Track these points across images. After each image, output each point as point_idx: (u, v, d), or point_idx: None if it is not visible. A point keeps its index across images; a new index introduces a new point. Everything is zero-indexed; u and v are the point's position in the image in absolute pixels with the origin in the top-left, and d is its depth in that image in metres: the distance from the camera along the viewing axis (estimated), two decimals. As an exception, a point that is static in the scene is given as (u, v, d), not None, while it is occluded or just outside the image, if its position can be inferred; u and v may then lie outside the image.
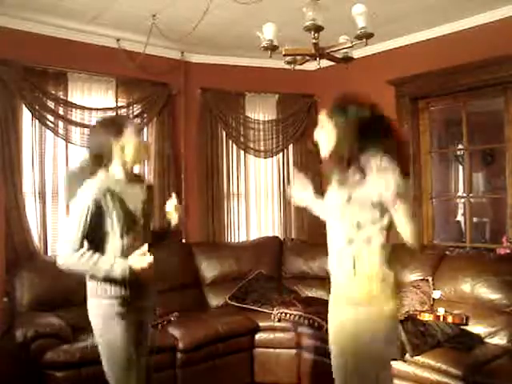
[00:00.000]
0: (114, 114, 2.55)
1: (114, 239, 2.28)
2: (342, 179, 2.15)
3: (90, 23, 4.13)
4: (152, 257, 2.24)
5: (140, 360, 2.34)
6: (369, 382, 2.05)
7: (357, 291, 2.09)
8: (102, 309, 2.29)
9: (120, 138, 2.33)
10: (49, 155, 4.12)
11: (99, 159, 2.35)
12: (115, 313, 2.27)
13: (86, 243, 2.27)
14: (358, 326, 2.07)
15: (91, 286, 2.33)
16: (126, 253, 2.27)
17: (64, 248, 2.24)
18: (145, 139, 2.49)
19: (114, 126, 2.35)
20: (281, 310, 4.01)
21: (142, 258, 2.22)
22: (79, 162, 2.50)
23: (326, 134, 2.12)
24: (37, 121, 4.04)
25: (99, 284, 2.28)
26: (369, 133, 2.02)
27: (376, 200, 2.03)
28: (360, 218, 2.08)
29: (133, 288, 2.29)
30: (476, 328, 3.43)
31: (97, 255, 2.22)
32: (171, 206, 2.59)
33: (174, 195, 2.63)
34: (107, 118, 2.50)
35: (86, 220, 2.21)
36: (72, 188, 2.35)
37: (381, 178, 1.96)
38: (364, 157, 2.02)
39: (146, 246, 2.26)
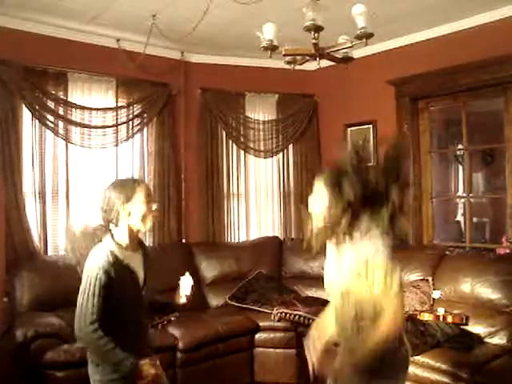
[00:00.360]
0: (127, 177, 2.42)
1: (121, 313, 2.19)
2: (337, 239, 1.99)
3: (89, 23, 4.13)
4: (159, 371, 2.20)
5: None
6: None
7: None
8: (102, 375, 2.21)
9: (128, 204, 2.22)
10: (49, 155, 4.12)
11: (107, 222, 2.26)
12: (116, 378, 2.17)
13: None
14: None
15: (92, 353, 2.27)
16: (131, 326, 2.21)
17: (80, 322, 2.18)
18: (154, 206, 2.31)
19: (123, 191, 2.24)
20: (281, 310, 4.01)
21: (151, 369, 2.14)
22: (88, 223, 2.40)
23: (319, 201, 1.97)
24: (37, 121, 4.04)
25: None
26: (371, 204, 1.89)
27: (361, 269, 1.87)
28: (347, 280, 1.95)
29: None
30: (476, 328, 3.44)
31: (112, 344, 2.11)
32: (186, 287, 2.43)
33: (187, 274, 2.48)
34: (119, 181, 2.37)
35: (100, 294, 2.13)
36: (77, 246, 2.35)
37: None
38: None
39: (158, 361, 2.24)
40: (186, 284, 2.45)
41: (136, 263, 2.28)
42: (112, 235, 2.23)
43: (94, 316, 2.13)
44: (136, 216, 2.23)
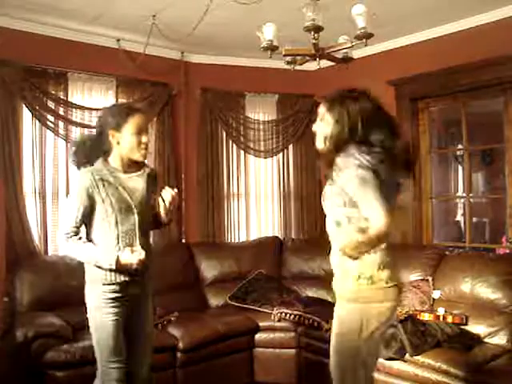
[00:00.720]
0: (125, 103, 2.53)
1: (110, 227, 2.33)
2: (329, 174, 2.10)
3: (90, 23, 4.13)
4: (143, 253, 2.28)
5: (125, 348, 2.39)
6: (346, 379, 2.05)
7: (340, 287, 2.10)
8: (94, 294, 2.37)
9: (116, 132, 2.34)
10: (49, 155, 4.12)
11: (100, 144, 2.39)
12: (107, 298, 2.33)
13: (83, 229, 2.38)
14: (339, 322, 2.10)
15: (87, 272, 2.42)
16: (122, 240, 2.33)
17: (60, 233, 2.37)
18: (145, 139, 2.39)
19: (114, 117, 2.35)
20: (281, 310, 4.02)
21: (132, 255, 2.27)
22: (91, 135, 2.55)
23: (323, 126, 2.09)
24: (37, 121, 4.04)
25: (93, 270, 2.36)
26: (371, 125, 2.01)
27: (348, 198, 1.98)
28: (337, 216, 2.05)
29: (124, 276, 2.34)
30: (476, 328, 3.44)
31: (88, 244, 2.32)
32: (166, 198, 2.47)
33: (167, 187, 2.51)
34: (114, 107, 2.49)
35: (80, 208, 2.30)
36: (79, 154, 2.44)
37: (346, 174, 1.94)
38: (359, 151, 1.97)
39: (138, 246, 2.33)
40: (166, 196, 2.46)
41: (134, 184, 2.39)
42: (103, 158, 2.36)
43: (71, 229, 2.32)
44: (124, 146, 2.34)
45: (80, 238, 2.35)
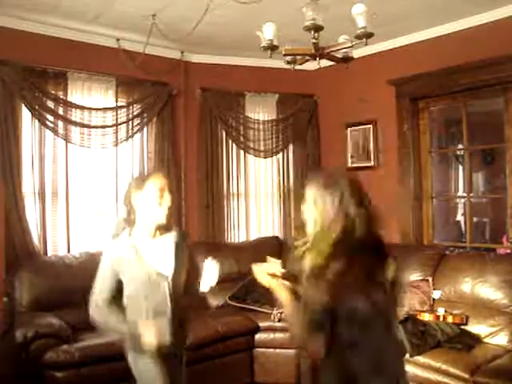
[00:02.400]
0: (146, 172, 2.52)
1: (138, 303, 2.27)
2: None
3: (90, 23, 4.12)
4: (165, 339, 2.20)
5: None
6: None
7: None
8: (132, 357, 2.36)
9: (139, 193, 2.29)
10: (48, 155, 4.11)
11: (128, 215, 2.36)
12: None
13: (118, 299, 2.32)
14: None
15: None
16: (152, 316, 2.26)
17: (91, 303, 2.31)
18: (167, 198, 2.32)
19: (136, 181, 2.36)
20: (281, 310, 4.00)
21: (153, 338, 2.17)
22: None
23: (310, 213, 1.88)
24: (36, 121, 4.04)
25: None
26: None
27: None
28: None
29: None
30: (476, 328, 3.44)
31: (113, 321, 2.27)
32: (212, 276, 2.41)
33: (210, 259, 2.46)
34: (137, 174, 2.52)
35: (108, 280, 2.30)
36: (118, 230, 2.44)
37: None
38: None
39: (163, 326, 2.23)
40: (210, 271, 2.42)
41: (161, 250, 2.32)
42: (131, 225, 2.32)
43: (101, 300, 2.28)
44: (148, 207, 2.29)
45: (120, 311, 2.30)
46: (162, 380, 2.27)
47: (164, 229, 2.36)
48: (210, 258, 2.46)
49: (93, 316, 2.30)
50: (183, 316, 2.40)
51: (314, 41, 2.79)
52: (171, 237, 2.38)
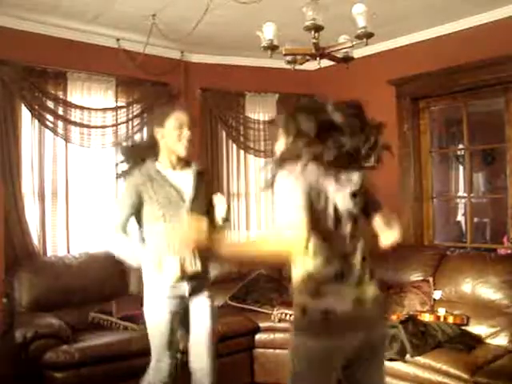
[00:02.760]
0: (168, 105, 2.75)
1: (159, 223, 2.44)
2: None
3: (90, 23, 4.12)
4: (185, 267, 2.38)
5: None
6: None
7: None
8: (148, 291, 2.52)
9: (161, 128, 2.50)
10: (48, 155, 4.10)
11: (150, 147, 2.57)
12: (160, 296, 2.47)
13: (133, 226, 2.51)
14: None
15: (144, 271, 2.54)
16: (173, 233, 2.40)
17: (109, 226, 2.49)
18: (186, 133, 2.53)
19: (159, 116, 2.56)
20: (281, 311, 4.00)
21: (175, 267, 2.36)
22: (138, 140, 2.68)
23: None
24: (36, 121, 4.03)
25: (148, 272, 2.49)
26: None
27: None
28: None
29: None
30: (477, 328, 3.43)
31: (131, 246, 2.44)
32: (221, 208, 2.58)
33: (219, 194, 2.65)
34: (158, 110, 2.72)
35: (128, 206, 2.46)
36: (127, 160, 2.64)
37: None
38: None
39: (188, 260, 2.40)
40: (219, 204, 2.58)
41: (182, 180, 2.53)
42: (155, 155, 2.53)
43: (119, 226, 2.45)
44: (168, 140, 2.50)
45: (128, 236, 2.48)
46: (170, 332, 2.46)
47: (184, 162, 2.58)
48: (218, 194, 2.64)
49: (111, 242, 2.49)
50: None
51: (314, 41, 2.79)
52: (190, 170, 2.58)
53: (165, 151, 2.54)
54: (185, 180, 2.54)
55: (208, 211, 2.59)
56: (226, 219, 2.59)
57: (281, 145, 1.88)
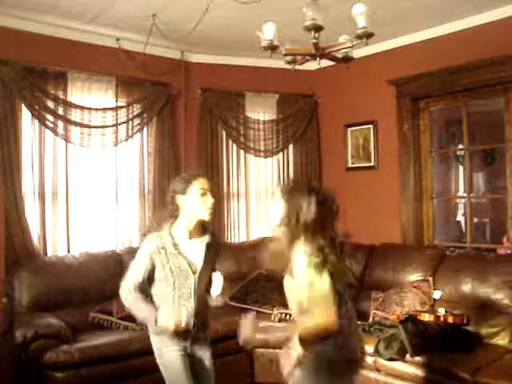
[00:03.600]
0: (191, 172, 2.83)
1: (168, 288, 2.52)
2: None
3: (90, 23, 4.12)
4: (182, 315, 2.45)
5: None
6: None
7: None
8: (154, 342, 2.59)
9: (184, 196, 2.52)
10: (48, 155, 4.11)
11: (171, 211, 2.59)
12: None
13: (148, 287, 2.56)
14: None
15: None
16: (177, 302, 2.52)
17: (123, 286, 2.53)
18: (210, 199, 2.57)
19: (181, 183, 2.56)
20: (281, 310, 4.00)
21: (168, 316, 2.41)
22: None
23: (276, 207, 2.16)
24: (36, 121, 4.03)
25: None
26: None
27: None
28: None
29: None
30: (476, 328, 3.43)
31: (143, 302, 2.49)
32: (216, 287, 2.64)
33: (218, 272, 2.68)
34: (181, 175, 2.70)
35: (142, 268, 2.51)
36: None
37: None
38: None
39: (183, 313, 2.47)
40: (217, 281, 2.64)
41: (194, 251, 2.56)
42: (171, 224, 2.55)
43: (132, 286, 2.49)
44: (191, 208, 2.52)
45: (147, 296, 2.53)
46: (185, 372, 2.51)
47: (202, 229, 2.60)
48: (218, 272, 2.67)
49: (123, 298, 2.52)
50: (204, 313, 2.69)
51: (314, 41, 2.78)
52: (204, 239, 2.59)
53: (184, 220, 2.55)
54: (197, 251, 2.58)
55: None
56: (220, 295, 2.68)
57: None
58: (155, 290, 2.56)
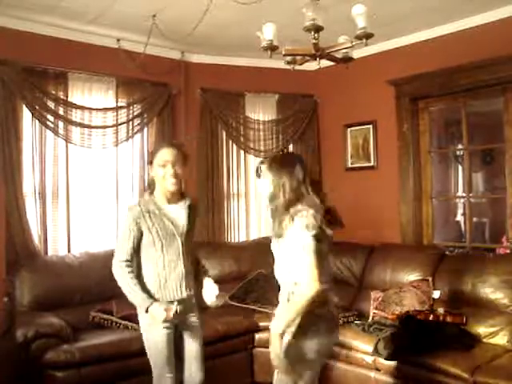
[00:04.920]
0: (162, 143, 3.04)
1: (156, 253, 2.59)
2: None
3: (90, 23, 4.13)
4: (174, 309, 2.47)
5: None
6: None
7: None
8: (143, 316, 2.62)
9: (151, 167, 2.66)
10: (49, 155, 4.11)
11: (149, 180, 2.80)
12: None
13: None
14: None
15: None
16: (167, 265, 2.60)
17: (114, 262, 2.59)
18: (170, 170, 2.63)
19: (149, 156, 2.73)
20: (281, 310, 4.01)
21: (162, 312, 2.45)
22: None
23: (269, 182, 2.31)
24: (37, 121, 4.04)
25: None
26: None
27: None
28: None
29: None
30: (476, 328, 3.44)
31: (135, 286, 2.53)
32: (210, 294, 2.74)
33: (210, 279, 2.79)
34: (155, 146, 2.92)
35: (130, 237, 2.57)
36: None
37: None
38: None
39: (174, 305, 2.50)
40: (209, 290, 2.73)
41: (177, 213, 2.65)
42: (151, 192, 2.67)
43: (124, 255, 2.56)
44: (157, 178, 2.63)
45: (132, 271, 2.57)
46: (168, 353, 2.58)
47: (178, 196, 2.69)
48: (207, 279, 2.78)
49: (116, 275, 2.57)
50: (190, 276, 2.70)
51: (313, 41, 2.79)
52: (185, 202, 2.70)
53: (158, 187, 2.66)
54: (179, 214, 2.67)
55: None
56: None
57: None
58: (144, 258, 2.61)
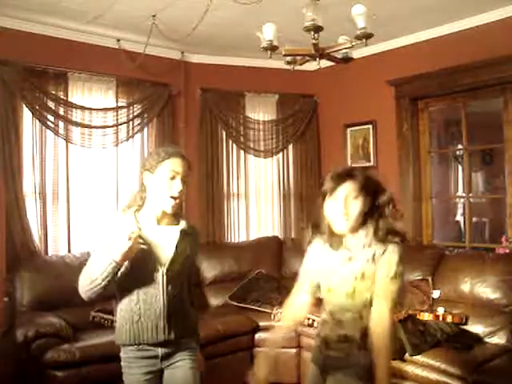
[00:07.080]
0: (169, 148, 2.20)
1: (131, 283, 2.07)
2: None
3: (90, 23, 4.13)
4: (135, 233, 1.94)
5: None
6: None
7: None
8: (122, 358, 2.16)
9: (151, 175, 2.09)
10: (49, 155, 4.12)
11: (140, 193, 2.16)
12: (131, 358, 2.12)
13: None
14: None
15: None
16: (142, 300, 2.05)
17: (80, 279, 2.16)
18: (178, 186, 2.08)
19: (152, 159, 2.10)
20: (281, 310, 4.01)
21: (123, 241, 1.92)
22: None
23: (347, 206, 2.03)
24: (37, 121, 4.04)
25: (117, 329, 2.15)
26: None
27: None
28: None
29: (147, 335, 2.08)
30: (475, 327, 3.44)
31: (94, 261, 2.09)
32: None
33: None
34: (155, 151, 2.24)
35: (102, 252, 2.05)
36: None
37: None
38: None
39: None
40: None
41: (164, 238, 2.08)
42: (138, 206, 2.11)
43: (85, 274, 2.11)
44: (156, 191, 2.06)
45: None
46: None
47: (172, 218, 2.14)
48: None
49: (81, 288, 2.17)
50: (183, 321, 2.16)
51: (313, 41, 2.80)
52: (178, 227, 2.12)
53: (150, 202, 2.10)
54: (167, 239, 2.09)
55: (190, 275, 2.28)
56: None
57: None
58: (119, 287, 2.08)
